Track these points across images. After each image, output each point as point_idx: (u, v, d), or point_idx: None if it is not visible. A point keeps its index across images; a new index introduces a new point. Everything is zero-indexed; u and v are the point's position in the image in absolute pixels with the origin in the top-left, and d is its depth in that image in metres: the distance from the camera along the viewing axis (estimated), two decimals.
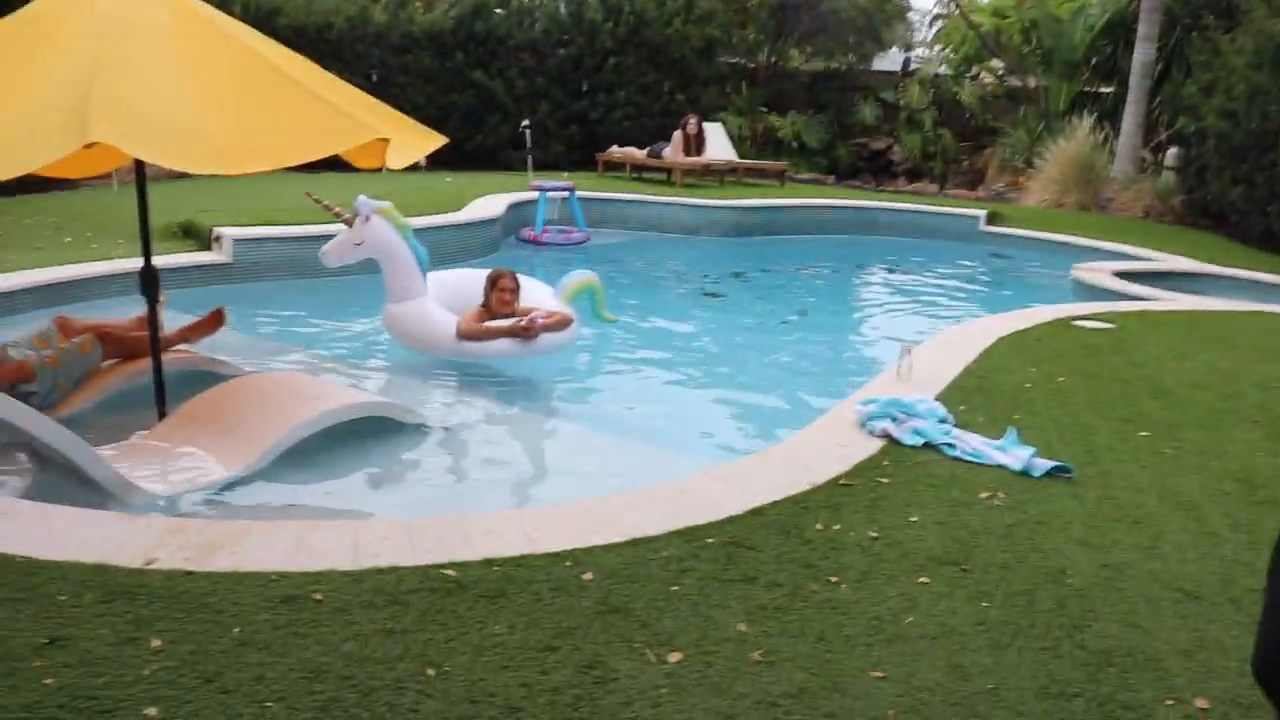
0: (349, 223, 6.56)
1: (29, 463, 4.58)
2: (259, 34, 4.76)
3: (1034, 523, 3.93)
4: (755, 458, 4.67)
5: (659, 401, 6.55)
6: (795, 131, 19.82)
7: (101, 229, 9.78)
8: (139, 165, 4.90)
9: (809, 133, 19.98)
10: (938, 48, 24.25)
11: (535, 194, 12.27)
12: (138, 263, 5.30)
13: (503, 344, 6.64)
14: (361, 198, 6.58)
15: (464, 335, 6.63)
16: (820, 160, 20.09)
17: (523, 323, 6.59)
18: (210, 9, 4.70)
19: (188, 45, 4.27)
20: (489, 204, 11.69)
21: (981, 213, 13.88)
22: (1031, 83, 19.83)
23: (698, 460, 5.15)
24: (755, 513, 3.90)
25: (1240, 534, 3.94)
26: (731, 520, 3.82)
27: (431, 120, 6.03)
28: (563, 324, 6.80)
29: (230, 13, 5.37)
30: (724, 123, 17.89)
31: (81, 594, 3.09)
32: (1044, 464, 4.45)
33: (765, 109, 20.21)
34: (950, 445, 4.66)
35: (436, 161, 12.97)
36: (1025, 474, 4.41)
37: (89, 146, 3.61)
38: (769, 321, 8.91)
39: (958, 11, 21.78)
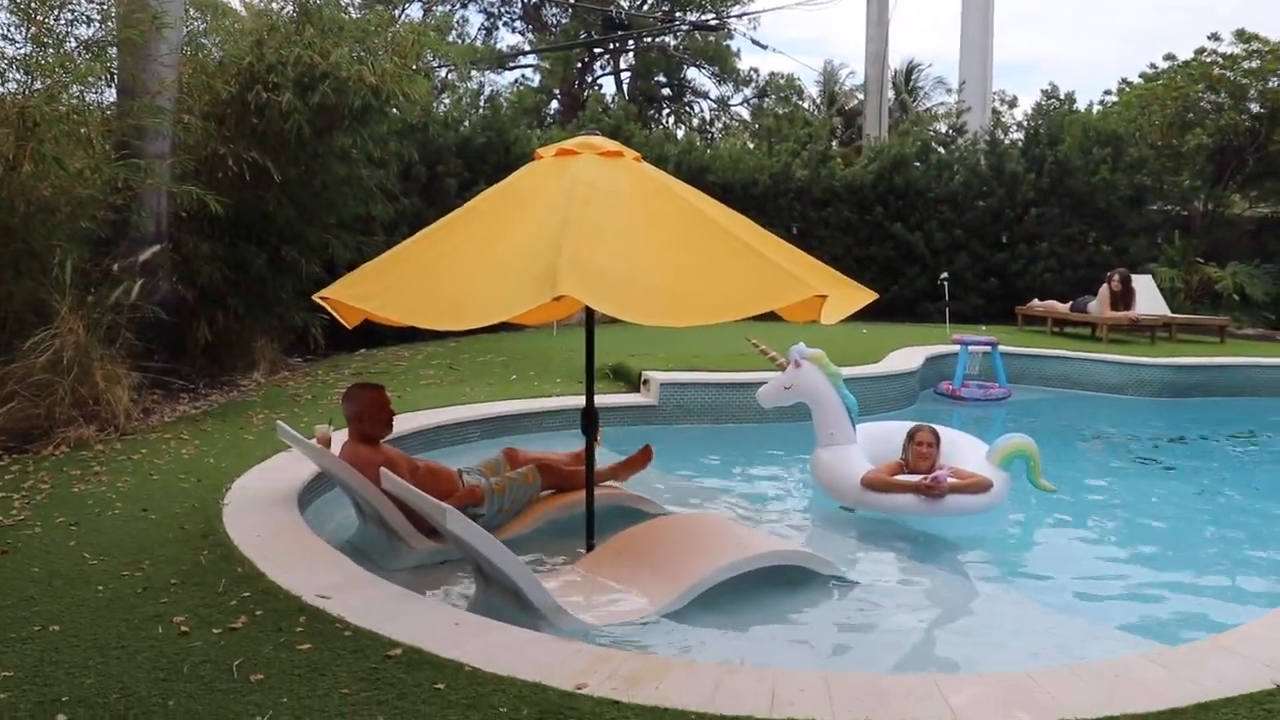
0: (783, 368, 6.85)
1: (475, 579, 5.03)
2: (703, 195, 5.11)
3: None
4: (1201, 644, 4.21)
5: (1085, 572, 6.11)
6: (1237, 283, 18.27)
7: (543, 368, 10.71)
8: (589, 315, 5.36)
9: (1253, 284, 18.35)
10: None
11: (955, 347, 12.08)
12: (576, 400, 5.76)
13: (906, 499, 6.54)
14: (799, 345, 6.86)
15: (867, 484, 6.61)
16: (1267, 314, 18.36)
17: (927, 480, 6.46)
18: (662, 174, 5.14)
19: (643, 207, 4.68)
20: (907, 356, 11.66)
21: None
22: None
23: (1131, 641, 4.77)
24: (1203, 708, 3.50)
25: None
26: (1174, 713, 3.45)
27: (849, 271, 6.16)
28: (978, 487, 6.56)
29: (664, 170, 5.83)
30: (1154, 275, 16.86)
31: (519, 708, 3.32)
32: None
33: (1201, 260, 18.84)
34: None
35: (853, 313, 13.20)
36: None
37: (554, 299, 4.00)
38: (1208, 491, 8.13)
39: None
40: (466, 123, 16.47)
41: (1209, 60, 19.82)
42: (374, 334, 12.11)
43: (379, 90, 10.38)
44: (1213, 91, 19.53)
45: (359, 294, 4.95)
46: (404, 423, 7.80)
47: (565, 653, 3.84)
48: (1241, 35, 19.69)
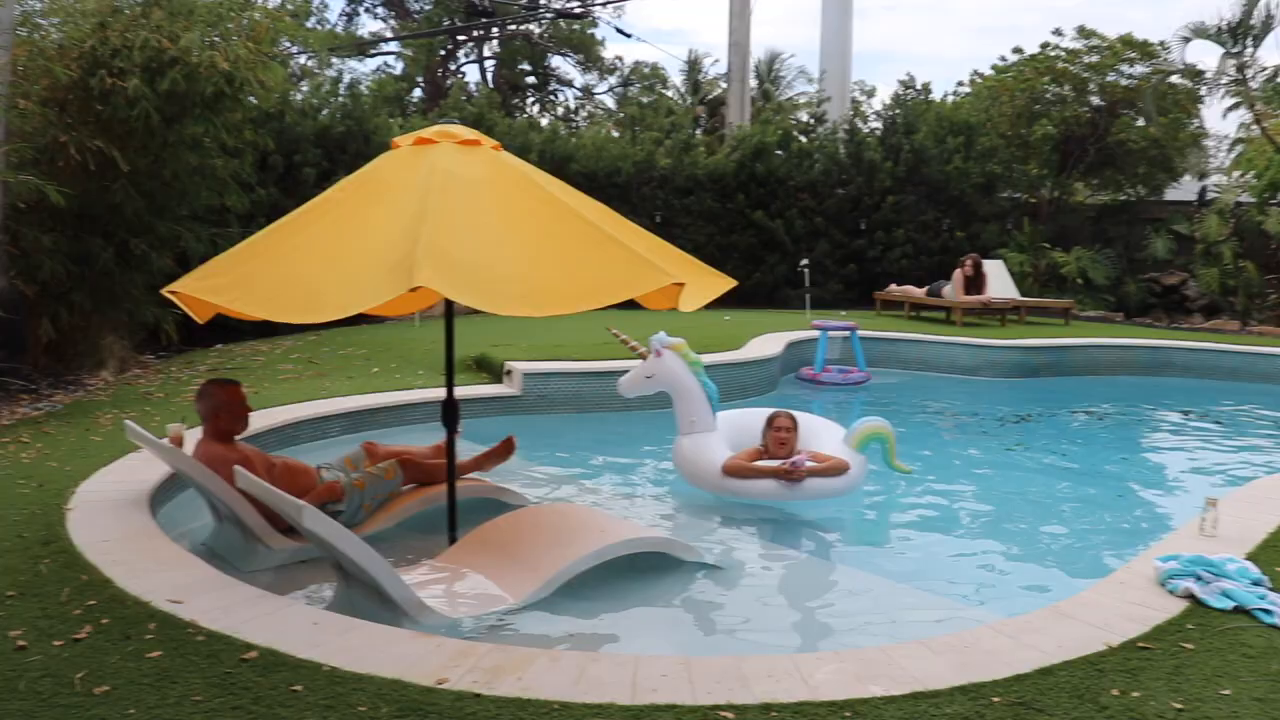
0: (644, 356, 6.89)
1: (336, 577, 4.94)
2: (564, 184, 5.11)
3: None
4: (1043, 613, 4.41)
5: (939, 548, 6.34)
6: (1080, 268, 19.12)
7: (404, 360, 10.57)
8: (448, 305, 5.31)
9: (1095, 269, 19.22)
10: (1238, 174, 22.95)
11: (816, 333, 12.33)
12: (438, 393, 5.70)
13: (766, 485, 6.66)
14: (660, 334, 6.90)
15: (727, 471, 6.71)
16: (1107, 297, 19.27)
17: (786, 465, 6.60)
18: (521, 163, 5.11)
19: (502, 197, 4.65)
20: (768, 342, 11.85)
21: None
22: None
23: (980, 612, 4.96)
24: (1045, 672, 3.68)
25: None
26: (1019, 679, 3.62)
27: (712, 259, 6.27)
28: (835, 470, 6.72)
29: (527, 160, 5.81)
30: (1005, 260, 17.51)
31: (379, 706, 3.28)
32: None
33: (1048, 245, 19.65)
34: (1267, 611, 4.26)
35: (715, 300, 13.38)
36: None
37: (411, 290, 3.95)
38: (1054, 467, 8.50)
39: (1263, 134, 20.57)
40: (325, 111, 16.10)
41: (1053, 54, 20.63)
42: (230, 329, 11.77)
43: (232, 77, 10.03)
44: (1057, 84, 20.34)
45: (210, 288, 4.80)
46: (262, 419, 7.60)
47: (426, 648, 3.80)
48: (1083, 31, 20.54)
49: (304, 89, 16.86)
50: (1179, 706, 3.45)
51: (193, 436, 5.72)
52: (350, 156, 15.06)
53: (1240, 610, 4.29)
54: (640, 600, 5.09)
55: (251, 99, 11.59)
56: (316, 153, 15.29)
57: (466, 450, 6.51)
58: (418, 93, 32.77)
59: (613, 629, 4.82)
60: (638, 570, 5.24)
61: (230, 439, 5.56)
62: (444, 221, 4.34)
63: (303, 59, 18.05)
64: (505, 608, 4.81)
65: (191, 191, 11.12)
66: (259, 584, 4.62)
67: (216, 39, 10.24)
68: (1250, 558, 4.85)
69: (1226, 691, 3.57)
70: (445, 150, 4.90)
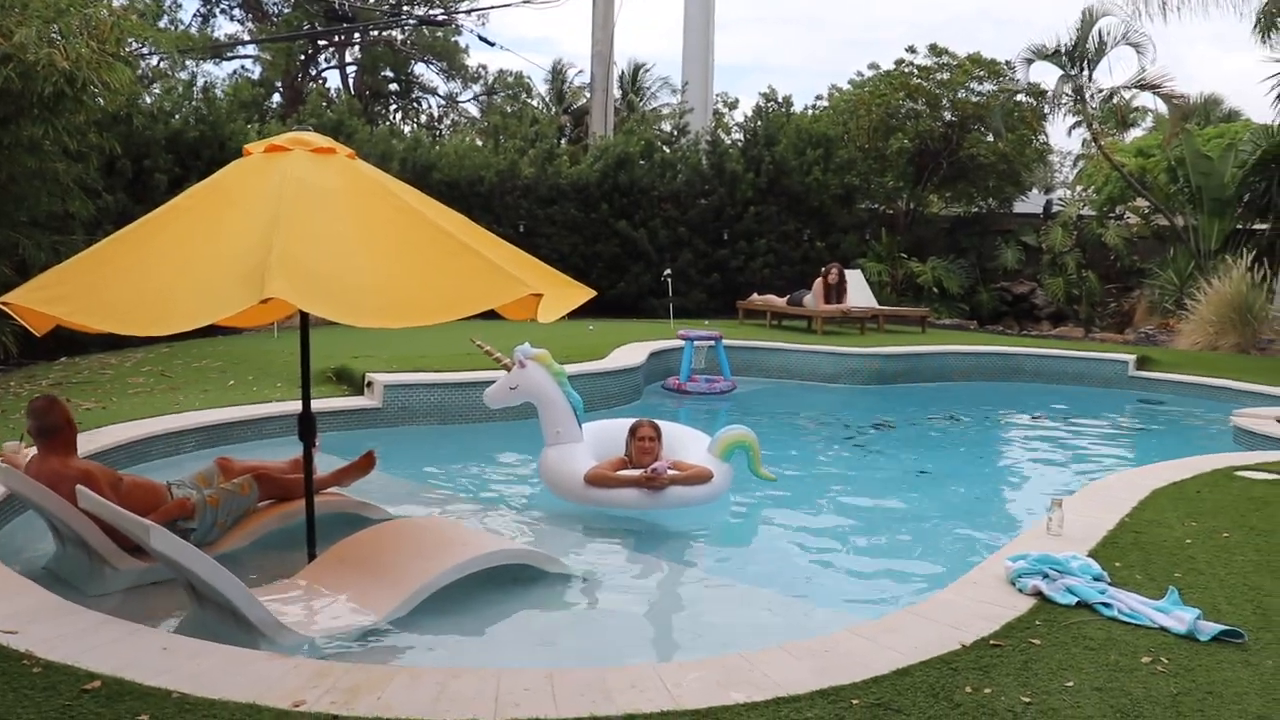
0: (508, 368, 6.85)
1: (189, 598, 4.76)
2: (420, 193, 5.02)
3: (1202, 692, 3.69)
4: (900, 614, 4.54)
5: (801, 554, 6.45)
6: (936, 277, 19.75)
7: (262, 373, 10.27)
8: (303, 316, 5.17)
9: (950, 278, 19.88)
10: (1080, 189, 24.08)
11: (680, 342, 12.42)
12: (294, 405, 5.55)
13: (628, 494, 6.68)
14: (523, 345, 6.88)
15: (589, 481, 6.71)
16: (961, 305, 19.93)
17: (646, 473, 6.63)
18: (378, 172, 5.01)
19: (357, 206, 4.55)
20: (631, 352, 11.88)
21: (1130, 357, 13.49)
22: (1180, 222, 19.45)
23: (841, 615, 5.05)
24: (901, 673, 3.77)
25: None
26: (877, 680, 3.70)
27: (576, 269, 6.27)
28: (699, 478, 6.77)
29: (388, 169, 5.71)
30: (864, 269, 17.96)
31: None
32: (1211, 627, 4.20)
33: (905, 255, 20.24)
34: (1107, 605, 4.45)
35: (579, 310, 13.36)
36: (1190, 637, 4.17)
37: (263, 301, 3.83)
38: (911, 471, 8.74)
39: (1100, 153, 21.61)
40: (178, 115, 15.56)
41: (908, 70, 21.27)
42: (76, 341, 11.26)
43: (74, 77, 9.59)
44: (911, 99, 20.97)
45: (48, 298, 4.56)
46: (110, 435, 7.32)
47: (282, 670, 3.69)
48: (934, 49, 21.24)
49: (155, 92, 16.27)
50: (1027, 700, 3.57)
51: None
52: (204, 163, 14.57)
53: (1083, 605, 4.47)
54: (504, 613, 5.04)
55: (99, 101, 11.14)
56: (169, 158, 14.77)
57: (326, 465, 6.37)
58: (276, 98, 31.96)
59: (476, 643, 4.76)
60: (501, 583, 5.19)
61: (68, 456, 5.31)
62: (297, 231, 4.22)
63: (154, 60, 17.42)
64: (366, 625, 4.70)
65: (30, 197, 10.61)
66: (104, 608, 4.42)
67: (56, 36, 9.79)
68: (1092, 555, 5.07)
69: (1070, 683, 3.71)
70: (298, 158, 4.77)
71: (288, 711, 3.33)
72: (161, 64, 17.32)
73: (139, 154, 14.34)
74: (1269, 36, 17.41)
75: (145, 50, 15.58)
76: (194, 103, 16.05)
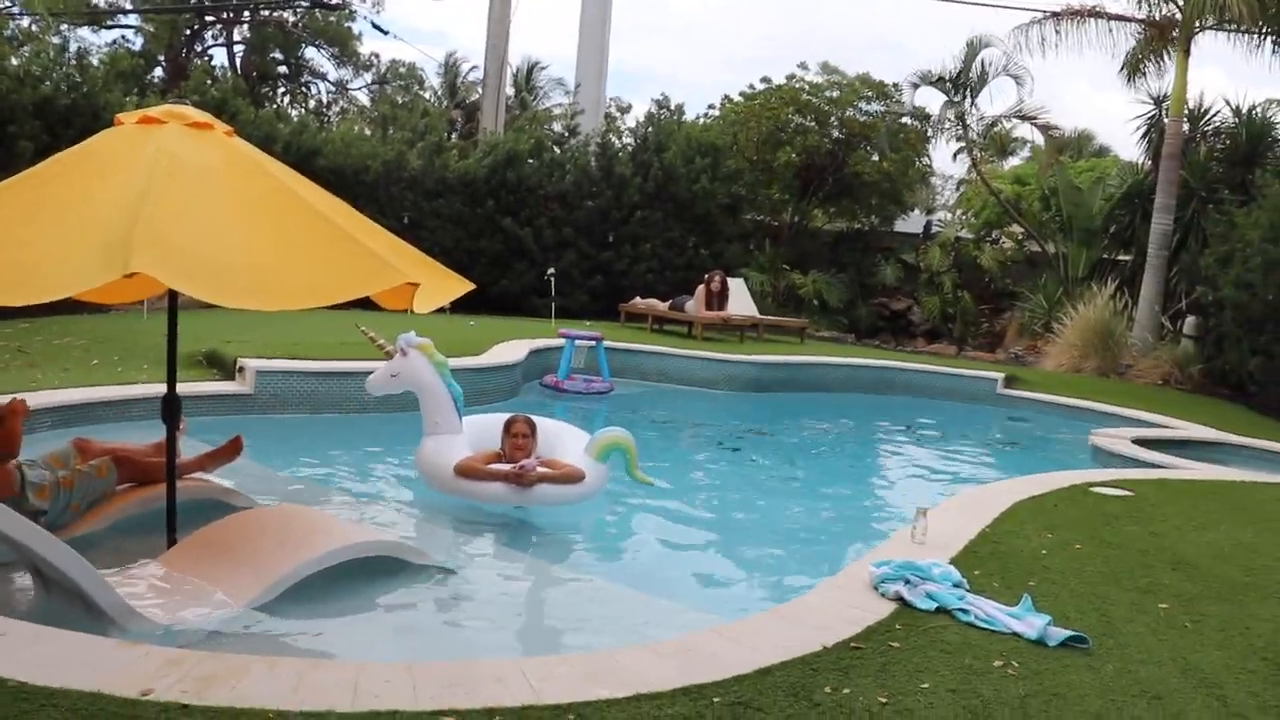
0: (390, 355, 6.77)
1: (33, 582, 4.57)
2: (300, 176, 4.91)
3: (1048, 694, 3.83)
4: (765, 616, 4.60)
5: (671, 555, 6.49)
6: (817, 290, 20.12)
7: (128, 353, 9.92)
8: (171, 295, 5.01)
9: (830, 291, 20.27)
10: (959, 211, 24.82)
11: (560, 341, 12.39)
12: (161, 388, 5.36)
13: (496, 488, 6.64)
14: (408, 334, 6.82)
15: (458, 472, 6.66)
16: (841, 319, 20.34)
17: (514, 469, 6.60)
18: (256, 151, 4.88)
19: (233, 184, 4.42)
20: (511, 349, 11.80)
21: (1000, 375, 13.94)
22: (1051, 249, 20.21)
23: (708, 616, 5.09)
24: (763, 673, 3.82)
25: (1268, 715, 3.83)
26: (739, 680, 3.74)
27: (459, 264, 6.21)
28: (570, 478, 6.75)
29: (272, 152, 5.57)
30: (746, 279, 18.16)
31: None
32: (1059, 633, 4.37)
33: (788, 267, 20.57)
34: (964, 610, 4.58)
35: (461, 305, 13.27)
36: (1040, 643, 4.32)
37: (128, 275, 3.69)
38: (784, 478, 8.87)
39: (979, 178, 22.32)
40: (48, 81, 14.93)
41: (798, 86, 21.64)
42: None
43: None
44: (801, 115, 21.34)
45: None
46: None
47: (130, 658, 3.55)
48: (825, 67, 21.67)
49: (24, 54, 15.59)
50: (884, 700, 3.65)
51: None
52: (75, 132, 13.96)
53: (942, 610, 4.59)
54: (368, 605, 4.96)
55: None
56: (36, 125, 14.15)
57: (192, 450, 6.16)
58: (158, 72, 30.93)
59: (338, 635, 4.66)
60: (366, 574, 5.09)
61: None
62: (167, 206, 4.07)
63: (24, 21, 16.71)
64: (225, 613, 4.57)
65: None
66: None
67: None
68: (953, 562, 5.21)
69: (926, 685, 3.81)
70: (173, 131, 4.60)
71: (134, 701, 3.20)
72: (32, 26, 16.63)
73: (3, 118, 13.72)
74: (1133, 80, 18.27)
75: (14, 9, 14.95)
76: (67, 69, 15.42)
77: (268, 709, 3.21)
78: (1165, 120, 17.56)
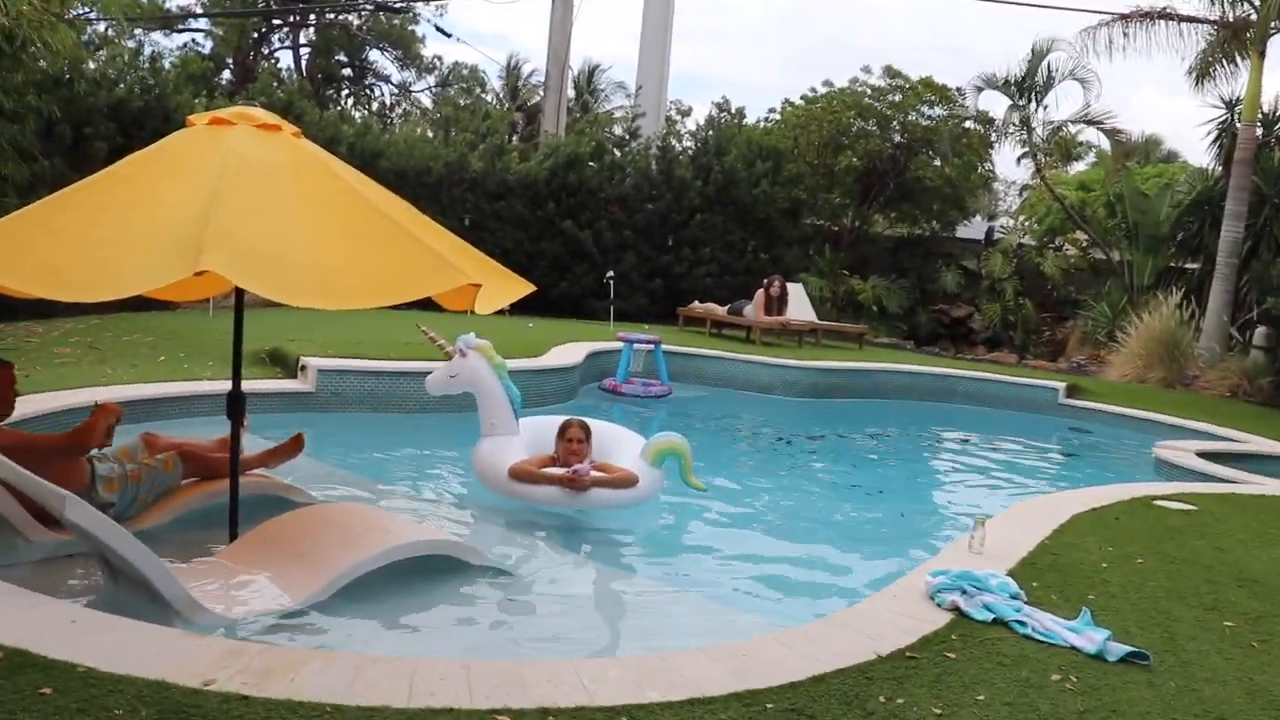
0: (450, 356, 6.84)
1: (102, 572, 4.67)
2: (365, 177, 4.98)
3: (1107, 710, 3.77)
4: (821, 623, 4.58)
5: (726, 560, 6.47)
6: (876, 295, 19.97)
7: (194, 350, 10.11)
8: (238, 293, 5.11)
9: (890, 297, 20.11)
10: (1022, 218, 24.53)
11: (619, 344, 12.42)
12: (226, 385, 5.46)
13: (550, 491, 6.66)
14: (469, 335, 6.88)
15: (513, 475, 6.69)
16: (900, 325, 20.17)
17: (569, 474, 6.62)
18: (323, 152, 4.96)
19: (300, 185, 4.50)
20: (569, 351, 11.86)
21: (1061, 385, 13.73)
22: (1115, 256, 19.88)
23: (763, 621, 5.08)
24: (817, 680, 3.80)
25: None
26: (793, 686, 3.73)
27: (520, 266, 6.26)
28: (623, 482, 6.75)
29: (336, 153, 5.65)
30: (805, 284, 18.09)
31: (137, 709, 3.11)
32: (1119, 648, 4.30)
33: (847, 272, 20.44)
34: (1021, 623, 4.53)
35: (520, 307, 13.35)
36: (1099, 658, 4.25)
37: (198, 274, 3.77)
38: (841, 484, 8.82)
39: (1043, 183, 22.02)
40: (122, 84, 15.27)
41: (860, 90, 21.51)
42: (4, 306, 10.99)
43: (12, 34, 9.37)
44: (862, 119, 21.20)
45: None
46: (32, 405, 7.13)
47: (193, 648, 3.63)
48: (889, 71, 21.51)
49: (100, 58, 15.98)
50: (938, 712, 3.62)
51: None
52: (148, 134, 14.30)
53: (999, 622, 4.54)
54: (424, 604, 5.00)
55: (39, 61, 10.90)
56: (110, 126, 14.50)
57: (254, 446, 6.27)
58: (226, 74, 31.51)
59: (394, 632, 4.72)
60: (424, 573, 5.14)
61: None
62: (237, 206, 4.16)
63: (100, 26, 17.11)
64: (284, 608, 4.64)
65: None
66: (13, 579, 4.31)
67: None
68: (1011, 573, 5.14)
69: (981, 697, 3.77)
70: (242, 133, 4.70)
71: (197, 690, 3.27)
72: (108, 30, 17.02)
73: (80, 120, 14.06)
74: (1202, 84, 17.91)
75: (91, 15, 15.32)
76: (140, 72, 15.76)
77: (324, 703, 3.26)
78: (1237, 124, 17.20)
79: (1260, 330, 15.82)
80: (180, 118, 14.66)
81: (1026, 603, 4.77)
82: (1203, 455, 9.72)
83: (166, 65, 16.71)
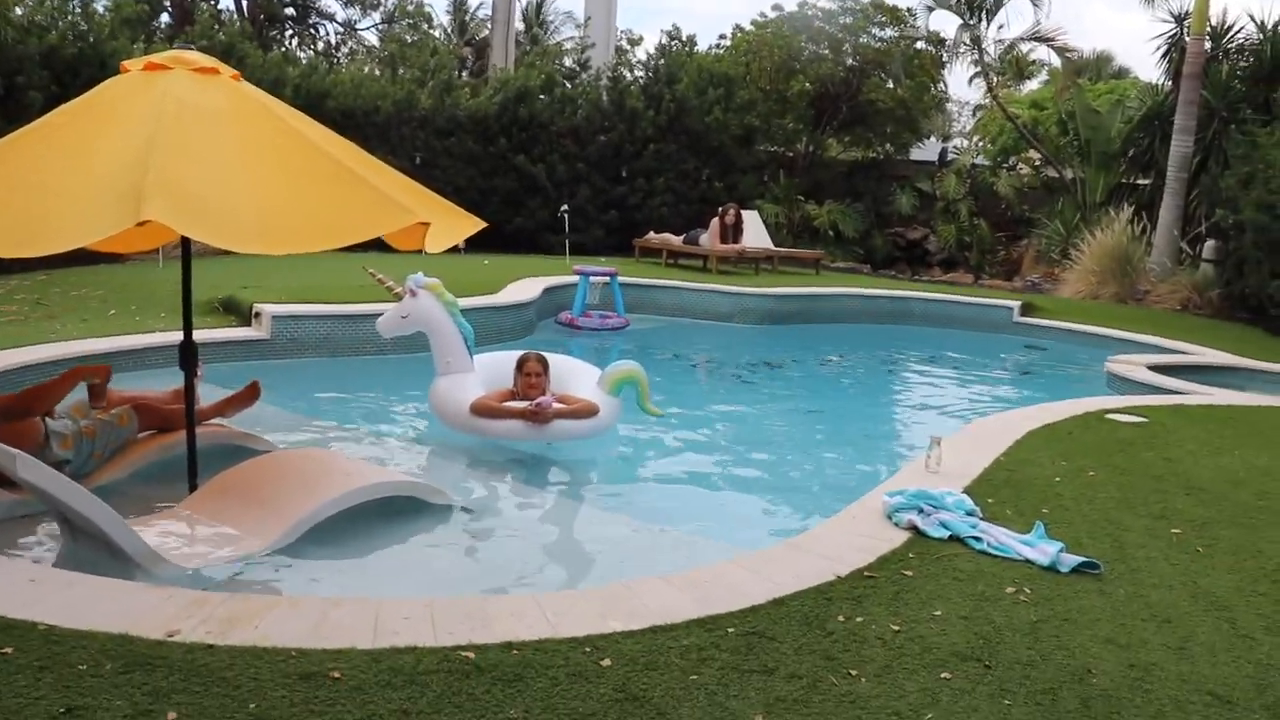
0: (400, 297, 6.80)
1: (60, 531, 4.65)
2: (309, 119, 4.90)
3: (1060, 619, 3.88)
4: (780, 547, 4.65)
5: (688, 488, 6.54)
6: (832, 220, 19.97)
7: (145, 302, 9.98)
8: (185, 242, 5.03)
9: (845, 222, 20.12)
10: (975, 138, 24.53)
11: (575, 278, 12.38)
12: (178, 336, 5.41)
13: (513, 425, 6.70)
14: (417, 274, 6.83)
15: (474, 411, 6.71)
16: (856, 249, 20.21)
17: (531, 406, 6.65)
18: (264, 95, 4.86)
19: (241, 129, 4.41)
20: (526, 287, 11.82)
21: (1016, 303, 13.87)
22: (1068, 174, 19.97)
23: (724, 547, 5.15)
24: (777, 603, 3.87)
25: (1276, 637, 3.86)
26: (754, 610, 3.79)
27: (472, 203, 6.21)
28: (584, 412, 6.79)
29: (281, 95, 5.55)
30: (761, 211, 18.05)
31: (102, 663, 3.11)
32: (1072, 559, 4.40)
33: (802, 198, 20.40)
34: (977, 539, 4.62)
35: (475, 244, 13.23)
36: (1052, 569, 4.36)
37: (141, 224, 3.71)
38: (800, 409, 8.90)
39: (995, 103, 22.01)
40: (54, 30, 14.84)
41: (810, 13, 21.31)
42: None
43: None
44: (814, 42, 21.03)
45: None
46: None
47: (155, 600, 3.63)
48: None
49: (28, 3, 15.50)
50: (896, 628, 3.70)
51: None
52: (84, 81, 13.88)
53: (955, 539, 4.63)
54: (387, 544, 5.03)
55: None
56: (44, 75, 14.08)
57: (210, 395, 6.23)
58: (165, 18, 30.69)
59: (359, 575, 4.75)
60: (385, 514, 5.16)
61: None
62: (176, 152, 4.08)
63: None
64: (247, 555, 4.65)
65: None
66: None
67: None
68: (967, 491, 5.24)
69: (938, 612, 3.86)
70: (179, 77, 4.59)
71: (161, 641, 3.28)
72: None
73: (10, 70, 13.66)
74: None
75: None
76: (72, 17, 15.32)
77: (289, 648, 3.28)
78: (1186, 39, 17.22)
79: (1209, 244, 15.99)
80: (115, 64, 14.26)
81: (982, 519, 4.87)
82: (1153, 368, 9.88)
83: (100, 9, 16.23)
